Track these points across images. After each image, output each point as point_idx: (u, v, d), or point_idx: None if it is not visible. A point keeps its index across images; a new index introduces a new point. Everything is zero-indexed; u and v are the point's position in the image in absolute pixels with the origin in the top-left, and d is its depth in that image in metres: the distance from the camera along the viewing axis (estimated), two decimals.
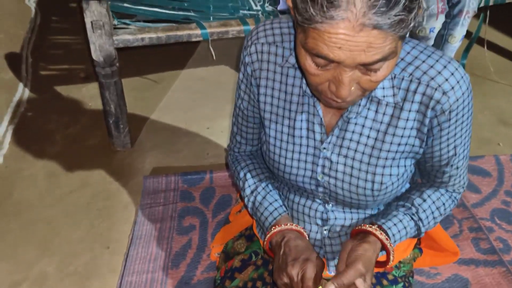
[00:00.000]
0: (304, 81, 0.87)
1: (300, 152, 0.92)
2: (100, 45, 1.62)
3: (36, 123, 2.07)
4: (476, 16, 2.08)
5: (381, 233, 0.88)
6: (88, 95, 2.27)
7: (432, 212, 0.95)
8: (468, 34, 2.18)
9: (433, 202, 0.95)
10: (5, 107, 2.13)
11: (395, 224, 0.90)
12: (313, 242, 1.01)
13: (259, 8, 1.94)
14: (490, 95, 2.16)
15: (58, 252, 1.47)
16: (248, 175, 1.04)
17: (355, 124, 0.86)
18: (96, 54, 1.64)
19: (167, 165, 1.81)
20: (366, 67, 0.68)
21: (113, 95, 1.76)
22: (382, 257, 0.93)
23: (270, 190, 1.02)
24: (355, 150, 0.88)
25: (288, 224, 0.94)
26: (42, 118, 2.10)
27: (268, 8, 1.95)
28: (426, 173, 0.97)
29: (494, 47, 2.53)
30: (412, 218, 0.92)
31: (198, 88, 2.30)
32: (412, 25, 0.66)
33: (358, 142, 0.87)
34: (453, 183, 0.96)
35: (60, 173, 1.79)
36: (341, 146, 0.88)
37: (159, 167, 1.80)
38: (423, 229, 0.94)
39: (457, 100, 0.81)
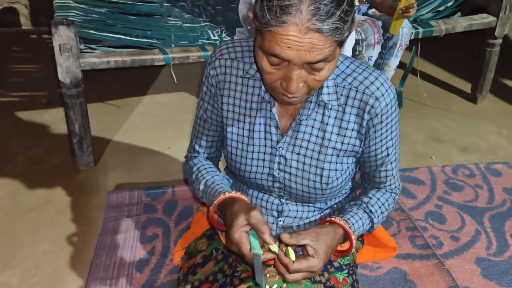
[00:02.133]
0: (262, 88, 1.02)
1: (258, 152, 1.06)
2: (67, 67, 1.72)
3: None
4: (409, 48, 2.36)
5: (340, 220, 1.01)
6: (50, 120, 2.33)
7: (379, 207, 1.10)
8: (401, 65, 2.46)
9: (378, 199, 1.11)
10: None
11: (352, 216, 1.04)
12: None
13: (216, 38, 2.13)
14: (424, 117, 2.42)
15: (21, 264, 1.51)
16: (201, 168, 1.15)
17: (306, 125, 1.02)
18: (63, 76, 1.74)
19: (130, 182, 1.90)
20: (311, 66, 0.85)
21: (78, 115, 1.85)
22: (343, 247, 1.06)
23: (219, 177, 1.13)
24: (306, 148, 1.03)
25: (226, 193, 1.02)
26: (3, 141, 2.14)
27: (225, 38, 2.13)
28: (366, 175, 1.14)
29: (426, 77, 2.83)
30: (364, 211, 1.07)
31: (159, 112, 2.42)
32: (346, 34, 0.84)
33: (308, 141, 1.03)
34: (389, 183, 1.13)
35: (22, 192, 1.83)
36: (294, 145, 1.04)
37: (122, 183, 1.89)
38: (375, 221, 1.08)
39: (387, 105, 1.00)
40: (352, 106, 1.00)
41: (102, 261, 1.48)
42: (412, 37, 2.21)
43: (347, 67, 1.01)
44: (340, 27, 0.81)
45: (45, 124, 2.29)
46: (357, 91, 0.99)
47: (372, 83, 0.99)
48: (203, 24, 2.29)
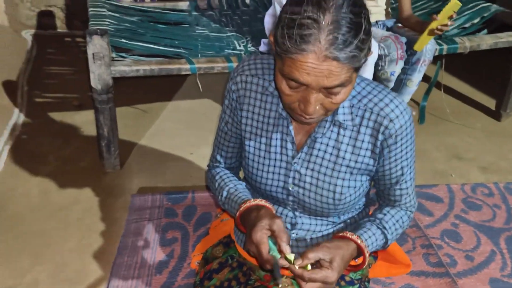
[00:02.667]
0: (280, 106, 1.07)
1: (274, 166, 1.11)
2: (99, 74, 1.82)
3: (30, 145, 2.22)
4: (434, 62, 2.36)
5: (352, 234, 1.04)
6: (80, 121, 2.44)
7: (394, 224, 1.13)
8: (425, 79, 2.47)
9: (393, 216, 1.14)
10: (1, 130, 2.27)
11: (365, 232, 1.07)
12: None
13: (242, 48, 2.19)
14: (445, 134, 2.42)
15: (49, 261, 1.60)
16: (224, 176, 1.21)
17: (321, 143, 1.06)
18: (95, 82, 1.83)
19: (153, 186, 1.97)
20: (328, 91, 0.90)
21: (107, 119, 1.94)
22: (356, 262, 1.08)
23: (241, 186, 1.18)
24: (320, 165, 1.07)
25: (252, 201, 1.06)
26: (35, 141, 2.25)
27: (251, 48, 2.19)
28: (381, 193, 1.17)
29: (450, 91, 2.82)
30: (378, 227, 1.10)
31: (183, 119, 2.50)
32: (363, 61, 0.89)
33: (323, 158, 1.07)
34: (404, 202, 1.15)
35: (52, 191, 1.93)
36: (309, 161, 1.08)
37: (146, 187, 1.97)
38: (389, 237, 1.11)
39: (401, 126, 1.02)
40: (366, 127, 1.03)
41: (124, 261, 1.56)
42: (436, 54, 2.22)
43: (363, 88, 1.05)
44: (356, 55, 0.86)
45: (76, 126, 2.40)
46: (372, 112, 1.02)
47: (387, 105, 1.02)
48: (229, 34, 2.36)
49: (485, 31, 2.44)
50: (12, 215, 1.79)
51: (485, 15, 2.48)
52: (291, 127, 1.07)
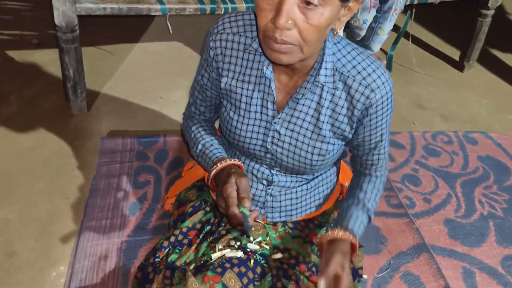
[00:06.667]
0: (265, 63, 1.03)
1: (254, 125, 1.10)
2: (63, 11, 1.72)
3: None
4: (404, 12, 2.38)
5: (345, 234, 1.05)
6: (41, 61, 2.32)
7: (374, 198, 1.17)
8: (395, 28, 2.49)
9: (371, 191, 1.17)
10: None
11: (355, 223, 1.09)
12: (257, 201, 1.20)
13: None
14: (411, 83, 2.49)
15: (18, 202, 1.58)
16: (200, 129, 1.22)
17: (303, 105, 1.06)
18: (59, 20, 1.73)
19: (122, 129, 1.95)
20: (304, 4, 0.83)
21: (73, 60, 1.86)
22: None
23: (216, 141, 1.20)
24: (300, 126, 1.08)
25: (227, 161, 1.09)
26: None
27: None
28: (359, 158, 1.19)
29: (417, 41, 2.87)
30: (364, 212, 1.13)
31: (152, 61, 2.43)
32: None
33: (303, 120, 1.07)
34: (381, 165, 1.19)
35: (16, 132, 1.87)
36: (289, 122, 1.08)
37: (115, 130, 1.94)
38: (372, 216, 1.16)
39: (382, 97, 1.03)
40: (348, 93, 1.03)
41: (97, 203, 1.57)
42: (408, 3, 2.23)
43: (348, 53, 1.02)
44: None
45: (37, 65, 2.29)
46: (354, 80, 1.01)
47: (369, 74, 1.01)
48: None
49: None
50: None
51: None
52: (273, 87, 1.05)
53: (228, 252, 1.09)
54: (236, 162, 1.10)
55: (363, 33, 2.23)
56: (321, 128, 1.06)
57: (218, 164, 1.09)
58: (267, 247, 1.14)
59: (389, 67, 2.53)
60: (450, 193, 1.78)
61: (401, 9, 2.19)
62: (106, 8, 1.78)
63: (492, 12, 2.47)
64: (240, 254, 1.08)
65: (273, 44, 0.89)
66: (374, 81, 1.01)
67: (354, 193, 1.18)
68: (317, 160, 1.10)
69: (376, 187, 1.19)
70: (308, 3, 0.84)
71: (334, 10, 0.87)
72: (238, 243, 1.12)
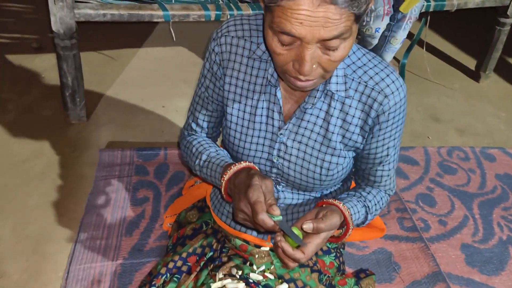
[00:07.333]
0: (269, 71, 0.96)
1: (258, 136, 1.02)
2: (60, 18, 1.64)
3: None
4: (418, 19, 2.28)
5: (343, 206, 0.98)
6: (41, 66, 2.25)
7: (375, 204, 1.08)
8: (409, 36, 2.39)
9: (374, 196, 1.09)
10: None
11: (352, 207, 1.01)
12: None
13: None
14: (424, 93, 2.38)
15: (11, 217, 1.50)
16: (203, 142, 1.11)
17: (311, 114, 0.97)
18: (56, 26, 1.65)
19: (122, 140, 1.86)
20: (325, 45, 0.78)
21: (71, 68, 1.78)
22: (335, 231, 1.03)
23: (223, 152, 1.09)
24: (308, 138, 0.99)
25: (236, 165, 0.96)
26: None
27: None
28: (361, 172, 1.10)
29: (432, 49, 2.77)
30: (363, 205, 1.05)
31: (155, 67, 2.35)
32: (364, 8, 0.77)
33: (311, 131, 0.98)
34: (384, 184, 1.10)
35: (12, 141, 1.80)
36: (296, 133, 0.99)
37: (115, 141, 1.85)
38: (369, 217, 1.07)
39: (396, 104, 0.94)
40: (359, 101, 0.95)
41: (93, 221, 1.48)
42: (423, 10, 2.13)
43: (359, 59, 0.95)
44: None
45: (36, 71, 2.22)
46: (366, 86, 0.94)
47: (382, 79, 0.93)
48: None
49: None
50: None
51: None
52: (279, 95, 0.97)
53: (229, 283, 1.00)
54: (251, 164, 0.97)
55: (375, 41, 2.13)
56: (330, 140, 0.98)
57: (232, 167, 0.95)
58: (271, 277, 1.06)
59: (401, 75, 2.43)
60: (467, 214, 1.68)
61: (416, 17, 2.08)
62: (106, 15, 1.69)
63: (511, 20, 2.36)
64: (241, 286, 0.99)
65: (296, 82, 0.85)
66: (388, 86, 0.93)
67: (355, 190, 1.10)
68: (327, 175, 1.01)
69: (380, 196, 1.10)
70: (329, 47, 0.79)
71: (353, 36, 0.81)
72: (240, 272, 1.03)
